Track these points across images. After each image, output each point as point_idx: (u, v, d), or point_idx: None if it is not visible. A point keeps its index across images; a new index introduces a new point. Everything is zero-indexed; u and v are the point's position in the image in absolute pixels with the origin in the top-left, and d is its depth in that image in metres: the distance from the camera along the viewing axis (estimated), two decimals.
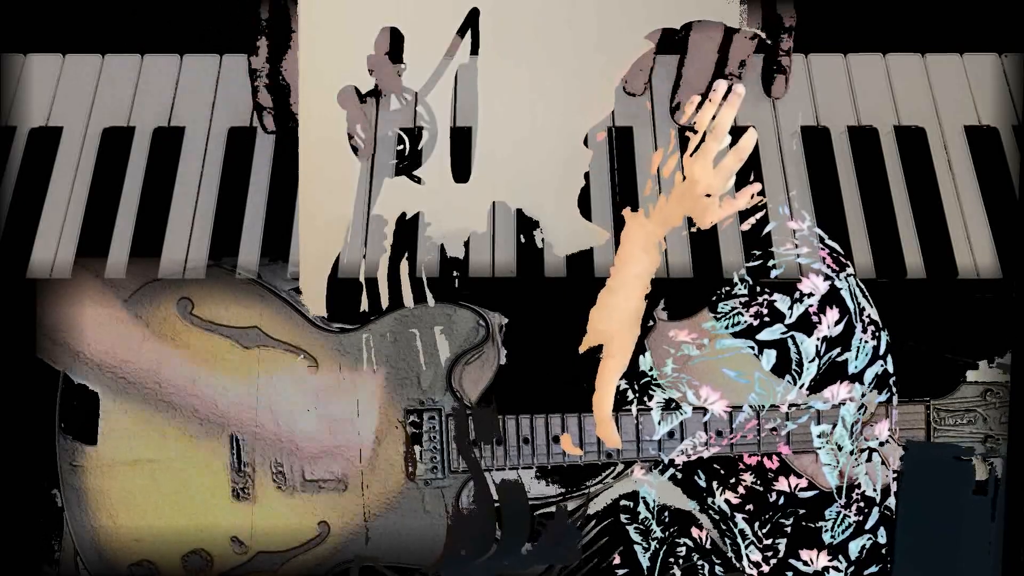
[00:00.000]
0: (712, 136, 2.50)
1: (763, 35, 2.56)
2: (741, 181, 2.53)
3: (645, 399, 2.52)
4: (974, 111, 2.61)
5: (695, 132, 2.51)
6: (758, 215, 2.52)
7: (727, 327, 2.50)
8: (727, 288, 2.51)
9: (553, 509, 2.54)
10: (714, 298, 2.51)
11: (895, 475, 2.52)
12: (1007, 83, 2.61)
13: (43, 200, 2.55)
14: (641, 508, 2.53)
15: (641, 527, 2.53)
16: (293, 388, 2.52)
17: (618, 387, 2.50)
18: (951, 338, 2.52)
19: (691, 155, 2.51)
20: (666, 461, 2.52)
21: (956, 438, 2.52)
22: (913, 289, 2.51)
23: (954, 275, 2.51)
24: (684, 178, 2.50)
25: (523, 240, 2.52)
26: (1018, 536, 2.50)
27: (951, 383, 2.53)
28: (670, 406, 2.51)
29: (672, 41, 2.56)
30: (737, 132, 2.52)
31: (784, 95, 2.62)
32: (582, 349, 2.49)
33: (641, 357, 2.51)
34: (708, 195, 2.50)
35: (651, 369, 2.51)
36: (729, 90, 2.51)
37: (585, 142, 2.55)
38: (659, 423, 2.51)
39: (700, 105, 2.52)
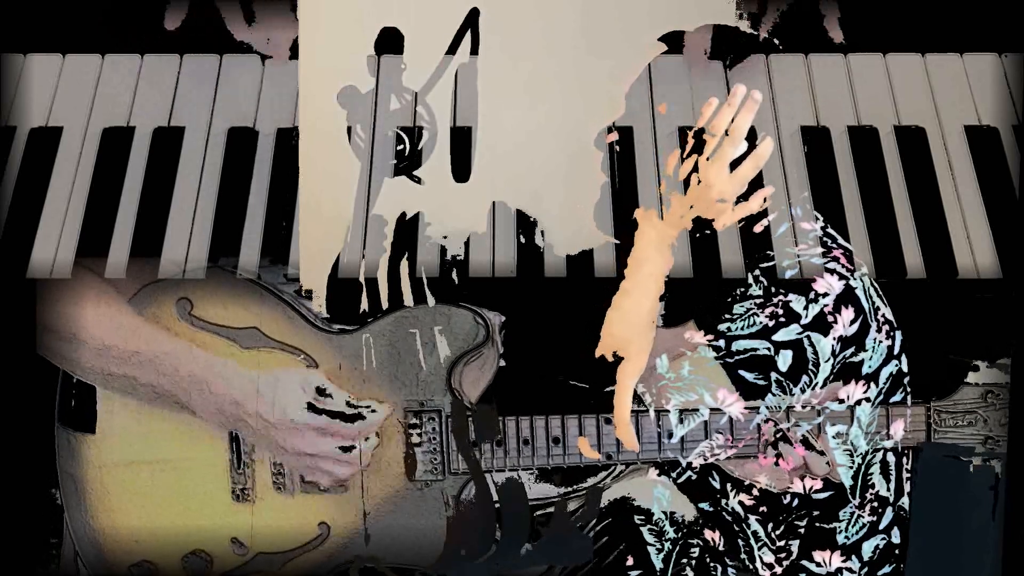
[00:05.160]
0: (728, 141, 2.50)
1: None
2: (751, 182, 2.53)
3: (664, 402, 2.52)
4: (974, 111, 2.61)
5: (711, 135, 2.51)
6: (771, 216, 2.52)
7: (743, 328, 2.50)
8: (742, 289, 2.51)
9: (553, 509, 2.54)
10: (729, 299, 2.51)
11: (908, 475, 2.52)
12: (1007, 83, 2.61)
13: (43, 200, 2.55)
14: (655, 509, 2.53)
15: (655, 528, 2.53)
16: (293, 389, 2.52)
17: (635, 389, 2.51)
18: (951, 338, 2.52)
19: (707, 159, 2.50)
20: (684, 464, 2.52)
21: (956, 439, 2.52)
22: (913, 289, 2.51)
23: (954, 275, 2.50)
24: (699, 182, 2.50)
25: (523, 240, 2.52)
26: (1018, 536, 2.50)
27: (951, 385, 2.53)
28: (686, 409, 2.52)
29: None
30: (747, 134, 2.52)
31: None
32: (598, 353, 2.49)
33: (658, 360, 2.51)
34: (722, 200, 2.50)
35: (668, 371, 2.51)
36: (747, 96, 2.52)
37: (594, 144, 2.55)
38: (676, 426, 2.51)
39: (717, 109, 2.52)
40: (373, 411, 2.51)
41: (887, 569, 2.53)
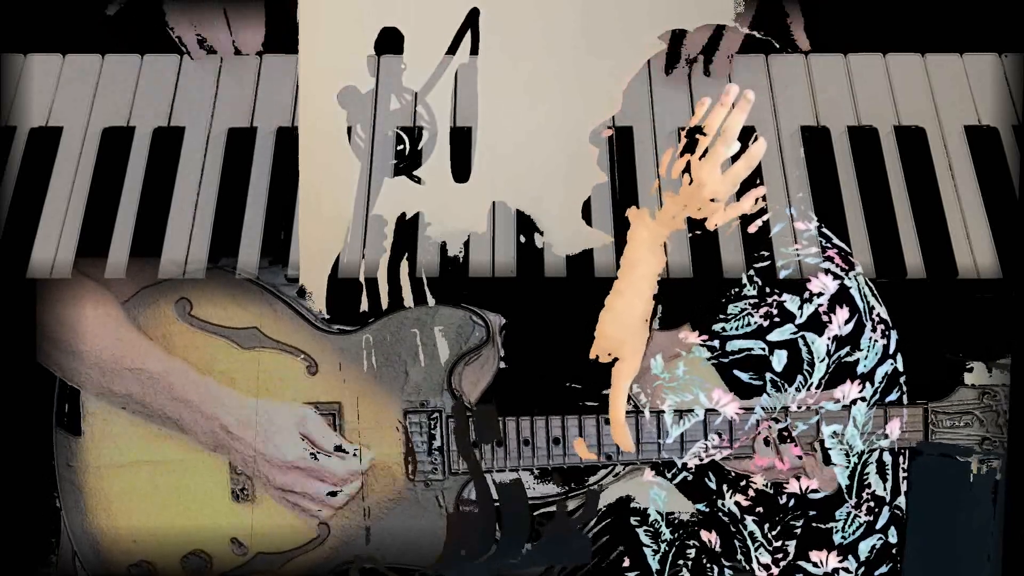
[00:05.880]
0: (721, 140, 2.50)
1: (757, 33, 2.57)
2: (744, 182, 2.53)
3: (658, 402, 2.52)
4: (974, 111, 2.61)
5: (703, 134, 2.51)
6: (765, 217, 2.52)
7: (737, 328, 2.50)
8: (736, 289, 2.51)
9: (553, 509, 2.54)
10: (723, 300, 2.51)
11: (904, 475, 2.52)
12: (1007, 83, 2.61)
13: (43, 200, 2.55)
14: (651, 510, 2.53)
15: (651, 529, 2.53)
16: (289, 428, 2.52)
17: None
18: (951, 338, 2.52)
19: (699, 158, 2.50)
20: (679, 464, 2.52)
21: (953, 440, 2.52)
22: (913, 289, 2.51)
23: (954, 275, 2.51)
24: (691, 181, 2.50)
25: (523, 240, 2.52)
26: (1018, 536, 2.51)
27: (949, 385, 2.53)
28: (681, 410, 2.52)
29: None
30: (741, 134, 2.52)
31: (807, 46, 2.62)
32: (592, 355, 2.49)
33: (652, 360, 2.51)
34: (714, 200, 2.50)
35: (663, 372, 2.51)
36: (740, 95, 2.52)
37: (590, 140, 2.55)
38: (671, 426, 2.51)
39: (711, 108, 2.52)
40: (361, 454, 2.52)
41: (884, 569, 2.53)
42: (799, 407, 2.51)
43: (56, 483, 2.53)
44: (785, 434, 2.50)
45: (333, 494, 2.51)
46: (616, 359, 2.49)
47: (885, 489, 2.52)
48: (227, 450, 2.51)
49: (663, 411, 2.51)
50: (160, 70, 2.63)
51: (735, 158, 2.51)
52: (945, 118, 2.62)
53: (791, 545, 2.53)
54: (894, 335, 2.51)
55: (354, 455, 2.51)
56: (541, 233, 2.52)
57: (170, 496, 2.53)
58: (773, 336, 2.50)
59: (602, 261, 2.51)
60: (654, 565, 2.54)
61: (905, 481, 2.52)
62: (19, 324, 2.51)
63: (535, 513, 2.54)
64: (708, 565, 2.54)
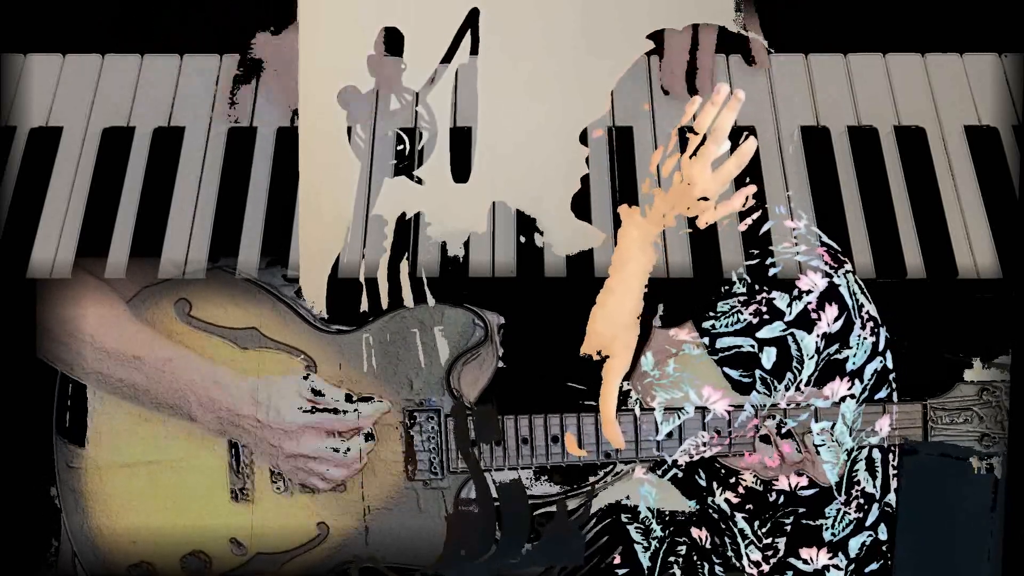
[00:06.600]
0: (712, 139, 2.51)
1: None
2: (737, 180, 2.53)
3: (649, 399, 2.52)
4: (974, 111, 2.62)
5: (695, 133, 2.51)
6: (755, 215, 2.52)
7: (727, 326, 2.50)
8: (726, 287, 2.51)
9: (553, 509, 2.54)
10: (713, 297, 2.52)
11: (895, 472, 2.52)
12: (1007, 83, 2.61)
13: (43, 200, 2.55)
14: (642, 507, 2.53)
15: (641, 526, 2.53)
16: (292, 390, 2.52)
17: (620, 387, 2.51)
18: (951, 338, 2.52)
19: (690, 157, 2.51)
20: (669, 461, 2.52)
21: (953, 437, 2.53)
22: (913, 289, 2.51)
23: (954, 275, 2.51)
24: (682, 179, 2.51)
25: (523, 240, 2.52)
26: (1018, 536, 2.50)
27: (948, 382, 2.53)
28: (672, 406, 2.52)
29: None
30: (736, 133, 2.52)
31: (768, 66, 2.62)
32: (583, 351, 2.49)
33: (643, 357, 2.51)
34: (705, 198, 2.50)
35: (653, 369, 2.51)
36: (730, 94, 2.52)
37: (583, 140, 2.55)
38: (661, 423, 2.51)
39: (701, 107, 2.53)
40: (374, 402, 2.51)
41: (874, 566, 2.53)
42: (789, 404, 2.51)
43: (56, 483, 2.53)
44: (782, 430, 2.51)
45: (343, 451, 2.50)
46: (607, 356, 2.49)
47: (875, 486, 2.53)
48: (234, 431, 2.51)
49: (653, 408, 2.51)
50: (160, 70, 2.63)
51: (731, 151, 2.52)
52: (945, 118, 2.62)
53: (781, 542, 2.53)
54: (883, 332, 2.51)
55: (368, 402, 2.52)
56: (541, 233, 2.52)
57: (169, 496, 2.53)
58: (762, 333, 2.50)
59: (602, 261, 2.51)
60: (645, 562, 2.54)
61: (895, 478, 2.53)
62: (19, 324, 2.51)
63: (535, 513, 2.54)
64: (699, 562, 2.54)
